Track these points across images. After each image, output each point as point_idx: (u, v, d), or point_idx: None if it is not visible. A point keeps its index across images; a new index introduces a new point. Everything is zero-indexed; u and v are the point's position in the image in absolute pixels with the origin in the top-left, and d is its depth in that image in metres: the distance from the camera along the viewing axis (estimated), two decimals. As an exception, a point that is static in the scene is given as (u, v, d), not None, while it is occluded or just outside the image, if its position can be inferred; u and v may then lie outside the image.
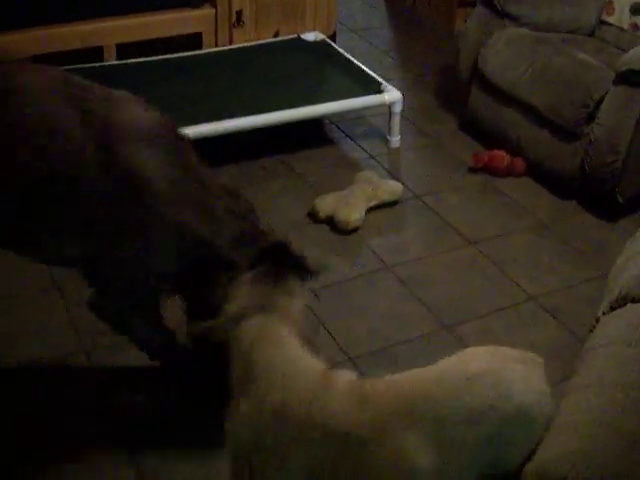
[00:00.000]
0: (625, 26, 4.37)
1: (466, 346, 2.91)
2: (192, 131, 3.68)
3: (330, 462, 1.87)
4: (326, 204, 3.62)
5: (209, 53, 4.52)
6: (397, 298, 3.31)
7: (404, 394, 1.90)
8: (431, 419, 1.84)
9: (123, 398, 2.77)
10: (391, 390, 1.92)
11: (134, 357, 2.79)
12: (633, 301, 2.21)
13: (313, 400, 1.88)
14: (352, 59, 4.47)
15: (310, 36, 4.68)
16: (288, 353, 1.97)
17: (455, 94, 4.68)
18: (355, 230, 3.59)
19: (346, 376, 1.98)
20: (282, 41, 4.67)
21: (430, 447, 1.83)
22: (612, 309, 2.27)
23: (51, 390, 2.79)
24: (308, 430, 1.87)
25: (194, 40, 4.51)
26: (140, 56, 4.29)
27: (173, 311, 2.66)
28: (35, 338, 2.97)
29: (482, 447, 1.86)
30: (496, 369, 1.94)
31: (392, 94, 4.16)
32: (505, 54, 4.23)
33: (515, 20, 4.37)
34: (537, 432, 1.88)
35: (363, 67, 4.39)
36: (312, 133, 4.37)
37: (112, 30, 4.30)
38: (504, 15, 4.36)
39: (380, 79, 4.25)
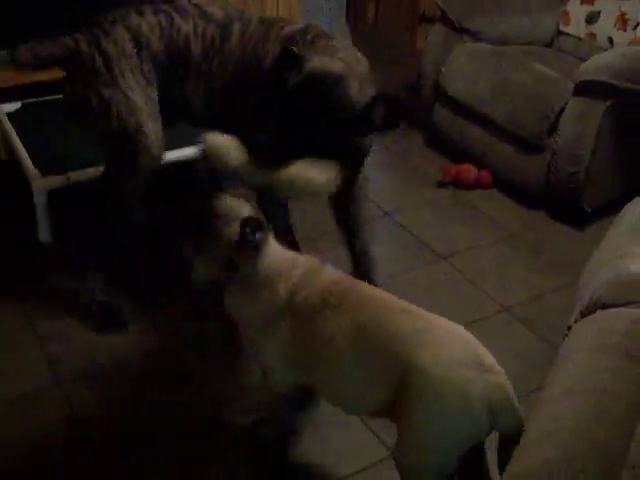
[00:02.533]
0: (582, 35, 4.43)
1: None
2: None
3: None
4: None
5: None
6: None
7: (362, 297, 2.34)
8: (362, 317, 2.26)
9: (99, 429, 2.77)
10: (358, 292, 2.37)
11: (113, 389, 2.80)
12: (603, 307, 2.24)
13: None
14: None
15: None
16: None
17: (419, 110, 4.71)
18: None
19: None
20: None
21: (352, 342, 2.24)
22: (583, 316, 2.29)
23: (25, 425, 2.78)
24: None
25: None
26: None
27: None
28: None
29: (381, 373, 2.19)
30: (439, 333, 2.19)
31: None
32: (465, 70, 4.28)
33: (473, 35, 4.43)
34: (428, 413, 2.10)
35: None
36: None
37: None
38: (462, 31, 4.42)
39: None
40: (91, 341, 3.10)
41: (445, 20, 4.48)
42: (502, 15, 4.48)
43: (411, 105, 4.84)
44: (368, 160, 4.04)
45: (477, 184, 4.18)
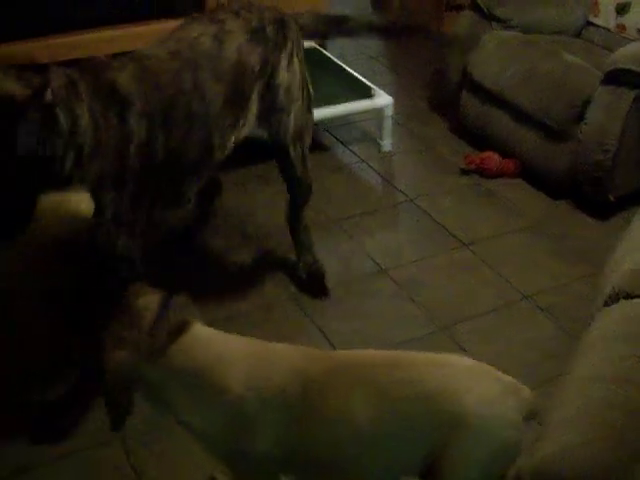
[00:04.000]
0: (611, 27, 4.40)
1: (462, 347, 2.98)
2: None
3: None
4: None
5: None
6: (392, 300, 3.33)
7: (365, 361, 2.10)
8: (378, 384, 2.01)
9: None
10: (352, 356, 2.13)
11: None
12: (626, 297, 2.23)
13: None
14: (342, 65, 4.50)
15: (300, 43, 4.70)
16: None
17: (445, 97, 4.71)
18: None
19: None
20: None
21: (371, 408, 1.99)
22: (606, 305, 2.29)
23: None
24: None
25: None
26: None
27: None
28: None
29: (418, 434, 1.99)
30: (467, 375, 2.04)
31: (383, 98, 4.20)
32: (493, 57, 4.26)
33: (502, 23, 4.41)
34: (485, 452, 1.98)
35: (353, 72, 4.42)
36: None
37: (85, 43, 4.26)
38: (491, 18, 4.40)
39: (370, 84, 4.29)
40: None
41: (474, 7, 4.46)
42: (532, 4, 4.46)
43: (439, 93, 4.85)
44: (388, 145, 4.06)
45: (501, 172, 4.16)
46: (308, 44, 4.65)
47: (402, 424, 2.00)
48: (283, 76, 2.94)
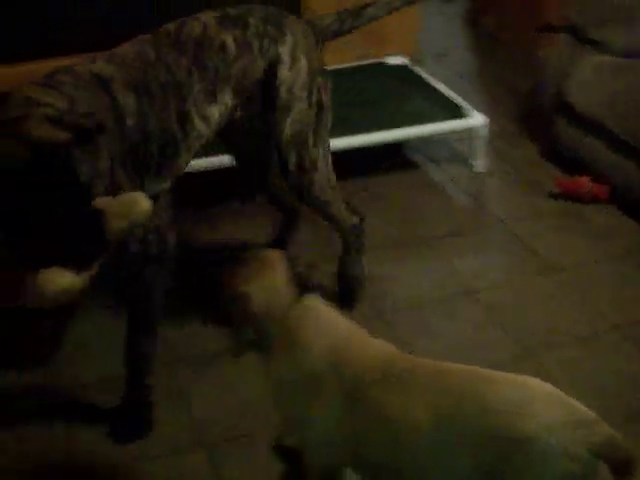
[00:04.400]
0: None
1: (546, 374, 2.93)
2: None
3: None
4: None
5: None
6: (478, 323, 3.31)
7: (443, 369, 2.14)
8: (449, 393, 2.05)
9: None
10: (433, 364, 2.16)
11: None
12: None
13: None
14: (435, 83, 4.49)
15: (393, 60, 4.72)
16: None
17: (537, 120, 4.67)
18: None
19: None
20: (365, 65, 4.71)
21: (436, 414, 2.02)
22: None
23: None
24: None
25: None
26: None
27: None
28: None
29: (478, 450, 1.99)
30: (541, 400, 2.01)
31: (476, 118, 4.18)
32: (590, 82, 4.21)
33: (598, 46, 4.34)
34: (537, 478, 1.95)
35: (447, 91, 4.41)
36: (393, 157, 4.39)
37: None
38: (588, 42, 4.34)
39: (464, 103, 4.27)
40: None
41: (571, 30, 4.41)
42: (632, 27, 4.39)
43: (531, 115, 4.81)
44: (480, 165, 4.03)
45: (592, 197, 4.10)
46: (398, 61, 4.69)
47: (463, 436, 2.01)
48: (285, 74, 2.90)
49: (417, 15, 4.87)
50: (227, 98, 2.81)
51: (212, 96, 2.77)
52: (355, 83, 4.50)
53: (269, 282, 2.24)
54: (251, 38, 2.83)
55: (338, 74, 4.55)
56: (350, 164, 4.12)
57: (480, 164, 4.31)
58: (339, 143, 3.85)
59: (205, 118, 2.77)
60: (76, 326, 3.19)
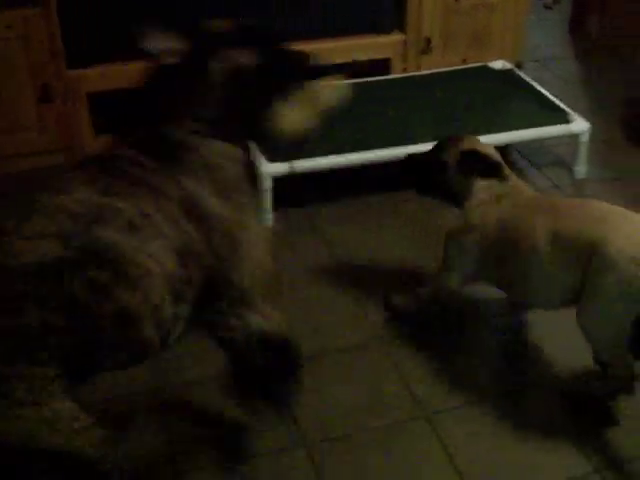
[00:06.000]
0: None
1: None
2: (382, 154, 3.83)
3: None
4: None
5: (396, 79, 4.64)
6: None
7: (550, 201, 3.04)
8: (555, 220, 2.76)
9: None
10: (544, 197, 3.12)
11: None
12: None
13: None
14: (539, 88, 4.48)
15: (497, 64, 4.71)
16: None
17: (642, 127, 4.63)
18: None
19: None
20: (469, 69, 4.73)
21: (548, 235, 2.73)
22: None
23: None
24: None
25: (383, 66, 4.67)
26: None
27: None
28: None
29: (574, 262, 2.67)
30: (621, 223, 2.66)
31: (580, 124, 4.16)
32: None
33: None
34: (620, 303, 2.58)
35: (550, 96, 4.39)
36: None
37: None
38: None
39: (567, 109, 4.25)
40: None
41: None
42: None
43: (635, 122, 4.76)
44: (582, 171, 3.97)
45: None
46: (502, 65, 4.68)
47: (566, 248, 2.69)
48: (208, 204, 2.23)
49: (521, 21, 4.87)
50: None
51: None
52: (459, 87, 4.51)
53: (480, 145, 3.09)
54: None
55: (442, 78, 4.60)
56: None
57: (582, 170, 4.29)
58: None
59: None
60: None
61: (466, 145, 3.05)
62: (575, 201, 3.07)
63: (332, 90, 2.49)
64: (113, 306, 2.00)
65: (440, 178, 3.08)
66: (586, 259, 2.62)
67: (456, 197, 3.07)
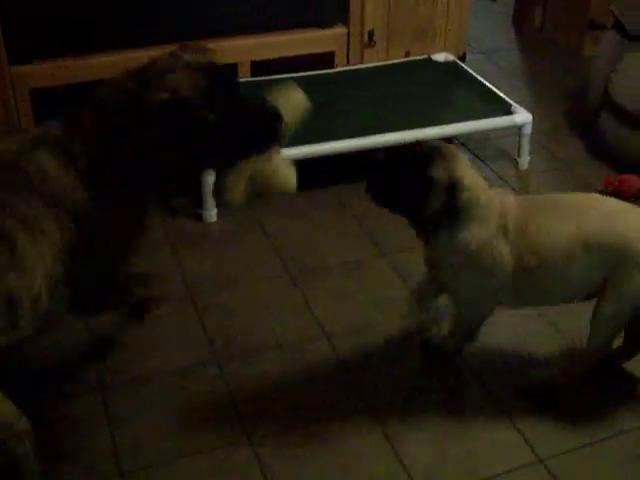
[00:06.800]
0: None
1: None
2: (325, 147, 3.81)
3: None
4: None
5: (340, 72, 4.62)
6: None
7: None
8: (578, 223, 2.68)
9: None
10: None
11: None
12: None
13: None
14: (482, 80, 4.50)
15: (440, 57, 4.73)
16: None
17: (584, 117, 4.66)
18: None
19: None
20: (412, 61, 4.74)
21: (578, 240, 2.65)
22: None
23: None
24: None
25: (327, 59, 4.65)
26: (273, 73, 4.37)
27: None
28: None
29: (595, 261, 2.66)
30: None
31: (522, 116, 4.18)
32: (635, 79, 4.20)
33: (646, 44, 4.33)
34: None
35: (493, 88, 4.41)
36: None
37: (247, 48, 4.42)
38: (635, 39, 4.32)
39: (510, 100, 4.27)
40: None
41: (618, 28, 4.40)
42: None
43: (577, 112, 4.80)
44: (525, 162, 4.03)
45: (640, 196, 4.10)
46: (445, 58, 4.70)
47: (595, 249, 2.64)
48: None
49: (464, 14, 4.88)
50: None
51: None
52: (402, 80, 4.52)
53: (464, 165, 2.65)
54: None
55: (385, 71, 4.60)
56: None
57: (525, 161, 4.31)
58: (387, 139, 3.88)
59: None
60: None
61: (453, 166, 2.59)
62: (578, 199, 2.84)
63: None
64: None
65: (419, 196, 2.60)
66: (613, 256, 2.63)
67: (431, 223, 2.66)
